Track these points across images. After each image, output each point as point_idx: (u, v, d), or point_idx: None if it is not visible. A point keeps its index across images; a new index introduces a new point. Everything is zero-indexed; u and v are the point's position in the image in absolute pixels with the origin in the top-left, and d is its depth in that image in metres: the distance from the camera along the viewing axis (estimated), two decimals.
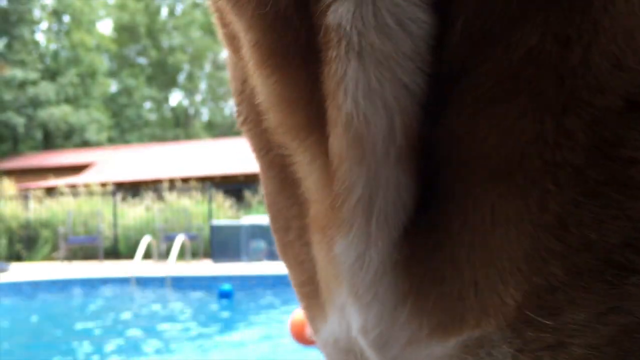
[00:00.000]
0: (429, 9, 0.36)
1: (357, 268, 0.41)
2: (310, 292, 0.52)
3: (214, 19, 0.50)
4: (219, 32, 0.50)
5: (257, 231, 11.88)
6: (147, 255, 11.83)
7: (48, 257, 14.22)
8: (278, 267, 7.75)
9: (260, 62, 0.41)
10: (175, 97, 39.96)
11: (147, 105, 36.66)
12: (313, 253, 0.48)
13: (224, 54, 0.56)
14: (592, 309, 0.35)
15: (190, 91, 37.77)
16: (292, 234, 0.52)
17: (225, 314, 7.89)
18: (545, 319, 0.36)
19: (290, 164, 0.47)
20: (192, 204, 14.55)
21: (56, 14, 32.04)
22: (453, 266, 0.39)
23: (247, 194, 15.45)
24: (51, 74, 30.86)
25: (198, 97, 38.04)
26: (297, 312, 4.04)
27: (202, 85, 37.50)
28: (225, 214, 14.27)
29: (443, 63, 0.37)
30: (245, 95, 0.52)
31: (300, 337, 4.17)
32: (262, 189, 0.58)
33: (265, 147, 0.51)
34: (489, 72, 0.37)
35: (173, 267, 10.16)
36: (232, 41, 0.48)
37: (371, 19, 0.36)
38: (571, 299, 0.35)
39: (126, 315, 7.96)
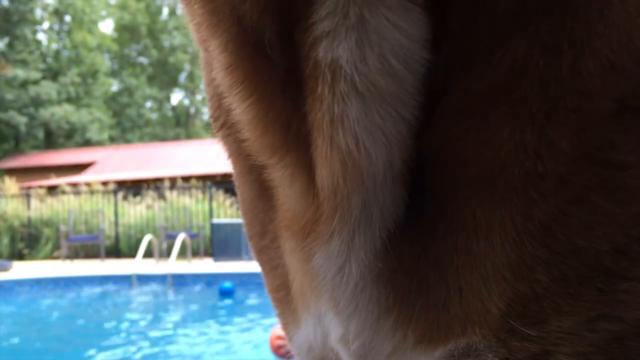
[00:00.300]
0: (428, 45, 0.36)
1: (337, 280, 0.41)
2: (283, 297, 0.52)
3: (186, 15, 0.49)
4: (192, 32, 0.49)
5: None
6: (148, 253, 11.88)
7: (50, 256, 14.28)
8: None
9: (234, 85, 0.41)
10: (176, 97, 39.97)
11: (148, 104, 36.71)
12: (285, 258, 0.49)
13: None
14: (579, 316, 0.35)
15: (191, 91, 37.81)
16: (267, 238, 0.52)
17: (227, 312, 7.95)
18: (530, 328, 0.35)
19: (265, 171, 0.47)
20: (193, 203, 14.60)
21: (57, 13, 32.10)
22: (438, 272, 0.38)
23: None
24: (53, 74, 30.92)
25: (199, 97, 38.07)
26: (278, 327, 4.10)
27: (203, 85, 37.41)
28: (226, 212, 14.31)
29: (430, 84, 0.38)
30: (222, 100, 0.50)
31: (277, 351, 4.24)
32: (239, 194, 0.58)
33: (244, 151, 0.49)
34: (472, 85, 0.37)
35: (174, 265, 10.21)
36: (206, 42, 0.47)
37: (376, 63, 0.35)
38: (557, 307, 0.35)
39: (127, 313, 8.02)
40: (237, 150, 0.52)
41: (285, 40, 0.38)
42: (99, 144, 30.34)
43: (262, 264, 0.56)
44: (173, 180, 16.32)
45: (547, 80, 0.35)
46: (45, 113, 28.69)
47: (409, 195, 0.40)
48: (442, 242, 0.38)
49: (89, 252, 14.04)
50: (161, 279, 9.94)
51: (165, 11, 37.12)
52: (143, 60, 37.09)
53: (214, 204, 14.36)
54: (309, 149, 0.40)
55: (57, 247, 14.12)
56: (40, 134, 30.05)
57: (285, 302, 0.52)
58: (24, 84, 28.49)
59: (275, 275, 0.52)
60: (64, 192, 15.61)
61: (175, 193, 15.13)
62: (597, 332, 0.35)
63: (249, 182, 0.53)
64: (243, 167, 0.53)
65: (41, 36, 32.28)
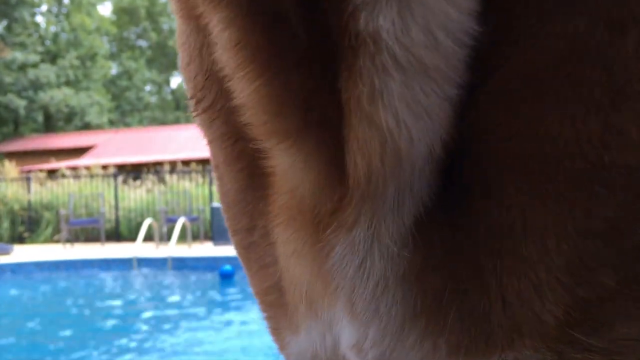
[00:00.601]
0: (478, 16, 0.33)
1: (358, 277, 0.37)
2: (275, 300, 0.47)
3: None
4: (172, 6, 0.45)
5: None
6: (149, 237, 11.90)
7: (50, 240, 14.32)
8: None
9: (243, 65, 0.36)
10: (176, 80, 39.81)
11: (148, 88, 36.59)
12: (280, 258, 0.44)
13: None
14: None
15: None
16: (257, 233, 0.47)
17: (227, 294, 7.98)
18: (593, 338, 0.32)
19: (261, 157, 0.41)
20: (193, 187, 14.59)
21: None
22: (476, 277, 0.34)
23: None
24: (51, 57, 30.78)
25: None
26: None
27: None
28: None
29: (477, 61, 0.34)
30: (213, 79, 0.45)
31: None
32: (220, 185, 0.52)
33: (233, 136, 0.45)
34: (524, 65, 0.34)
35: (174, 249, 10.24)
36: (192, 11, 0.41)
37: (420, 35, 0.32)
38: (625, 311, 0.32)
39: (128, 296, 8.05)
40: (224, 136, 0.47)
41: (310, 9, 0.34)
42: (99, 127, 30.28)
43: (248, 263, 0.50)
44: (173, 164, 16.32)
45: (610, 61, 0.31)
46: (44, 96, 28.60)
47: (445, 186, 0.35)
48: (482, 244, 0.34)
49: (89, 235, 14.07)
50: (161, 262, 9.98)
51: None
52: (142, 43, 36.89)
53: (214, 188, 14.32)
54: (333, 131, 0.36)
55: (57, 230, 14.14)
56: (40, 118, 29.98)
57: (277, 305, 0.47)
58: (23, 67, 28.37)
59: (266, 276, 0.47)
60: (64, 176, 15.60)
61: (175, 177, 15.13)
62: None
63: (235, 171, 0.47)
64: (229, 154, 0.47)
65: (39, 19, 32.12)
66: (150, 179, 15.37)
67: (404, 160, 0.34)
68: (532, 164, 0.33)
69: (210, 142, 0.50)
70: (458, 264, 0.35)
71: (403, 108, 0.33)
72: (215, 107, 0.46)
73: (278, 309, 0.47)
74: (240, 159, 0.46)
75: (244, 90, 0.37)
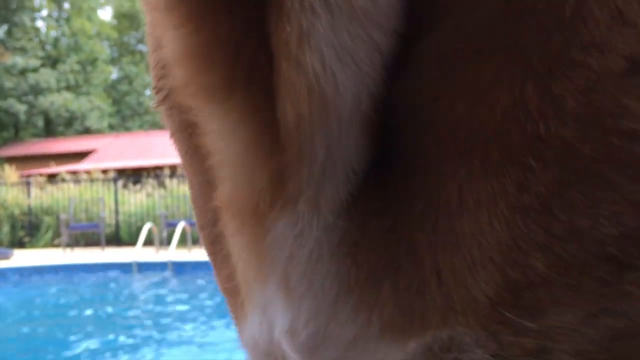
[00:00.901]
0: None
1: (294, 247, 0.36)
2: (232, 288, 0.45)
3: None
4: None
5: None
6: (149, 242, 11.90)
7: (50, 244, 14.31)
8: None
9: (170, 8, 0.34)
10: None
11: (148, 92, 36.61)
12: (228, 242, 0.43)
13: None
14: (580, 309, 0.30)
15: None
16: (220, 225, 0.45)
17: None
18: (526, 320, 0.30)
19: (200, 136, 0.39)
20: None
21: (56, 0, 31.93)
22: (411, 252, 0.33)
23: None
24: (52, 61, 30.83)
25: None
26: None
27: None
28: None
29: (409, 16, 0.33)
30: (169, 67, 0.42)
31: None
32: (188, 180, 0.51)
33: (191, 126, 0.43)
34: (458, 27, 0.32)
35: (174, 253, 10.23)
36: None
37: None
38: (555, 298, 0.30)
39: (128, 300, 8.05)
40: (181, 125, 0.45)
41: None
42: (99, 132, 30.31)
43: (214, 257, 0.49)
44: (173, 169, 16.31)
45: (548, 27, 0.29)
46: (44, 101, 28.64)
47: (378, 156, 0.34)
48: (418, 219, 0.32)
49: (90, 240, 14.07)
50: (162, 266, 9.97)
51: None
52: (142, 47, 36.96)
53: None
54: (263, 85, 0.34)
55: (57, 235, 14.13)
56: (40, 122, 30.00)
57: (233, 294, 0.45)
58: (23, 72, 28.41)
59: (227, 265, 0.45)
60: (64, 180, 15.61)
61: (175, 181, 15.12)
62: (600, 329, 0.30)
63: (197, 164, 0.45)
64: (189, 145, 0.45)
65: (40, 23, 32.16)
66: (150, 183, 15.37)
67: (331, 108, 0.32)
68: (471, 134, 0.31)
69: (172, 135, 0.48)
70: (393, 239, 0.33)
71: (330, 52, 0.31)
72: (172, 96, 0.45)
73: (233, 298, 0.46)
74: (199, 150, 0.43)
75: (171, 41, 0.35)
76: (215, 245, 0.48)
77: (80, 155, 24.06)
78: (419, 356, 0.33)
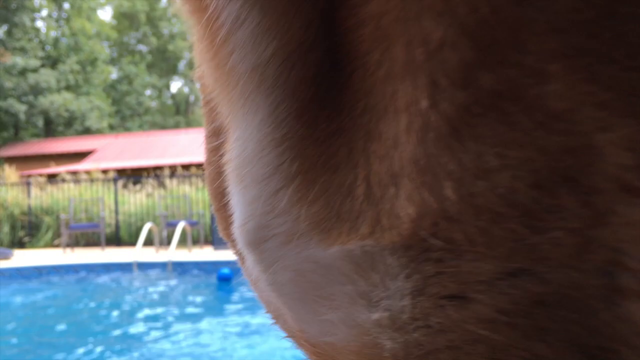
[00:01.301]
0: None
1: (247, 145, 0.35)
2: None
3: None
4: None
5: None
6: (149, 242, 11.92)
7: (50, 244, 14.33)
8: None
9: None
10: (176, 85, 39.87)
11: (148, 92, 36.67)
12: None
13: None
14: (496, 263, 0.27)
15: (190, 78, 37.66)
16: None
17: (226, 298, 7.98)
18: (446, 253, 0.28)
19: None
20: (193, 191, 14.61)
21: (56, 1, 31.95)
22: (348, 156, 0.31)
23: None
24: (52, 62, 30.86)
25: (198, 84, 37.99)
26: None
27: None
28: None
29: None
30: None
31: None
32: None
33: (215, 131, 0.44)
34: None
35: (174, 253, 10.25)
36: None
37: None
38: (470, 239, 0.27)
39: (128, 300, 8.06)
40: (208, 130, 0.46)
41: None
42: (99, 132, 30.34)
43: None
44: (173, 169, 16.35)
45: None
46: (44, 101, 28.66)
47: (328, 60, 0.33)
48: (357, 122, 0.31)
49: (90, 240, 14.08)
50: (161, 266, 9.99)
51: None
52: (142, 47, 36.99)
53: None
54: None
55: (57, 235, 14.15)
56: (40, 122, 30.02)
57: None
58: (23, 72, 28.44)
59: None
60: (64, 181, 15.63)
61: (175, 181, 15.15)
62: (518, 289, 0.27)
63: (212, 145, 0.45)
64: (210, 150, 0.45)
65: (40, 24, 32.20)
66: (150, 184, 15.39)
67: None
68: (406, 41, 0.28)
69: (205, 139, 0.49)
70: (336, 144, 0.32)
71: None
72: (206, 101, 0.46)
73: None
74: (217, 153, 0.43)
75: None
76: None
77: (80, 156, 24.09)
78: (343, 262, 0.31)
